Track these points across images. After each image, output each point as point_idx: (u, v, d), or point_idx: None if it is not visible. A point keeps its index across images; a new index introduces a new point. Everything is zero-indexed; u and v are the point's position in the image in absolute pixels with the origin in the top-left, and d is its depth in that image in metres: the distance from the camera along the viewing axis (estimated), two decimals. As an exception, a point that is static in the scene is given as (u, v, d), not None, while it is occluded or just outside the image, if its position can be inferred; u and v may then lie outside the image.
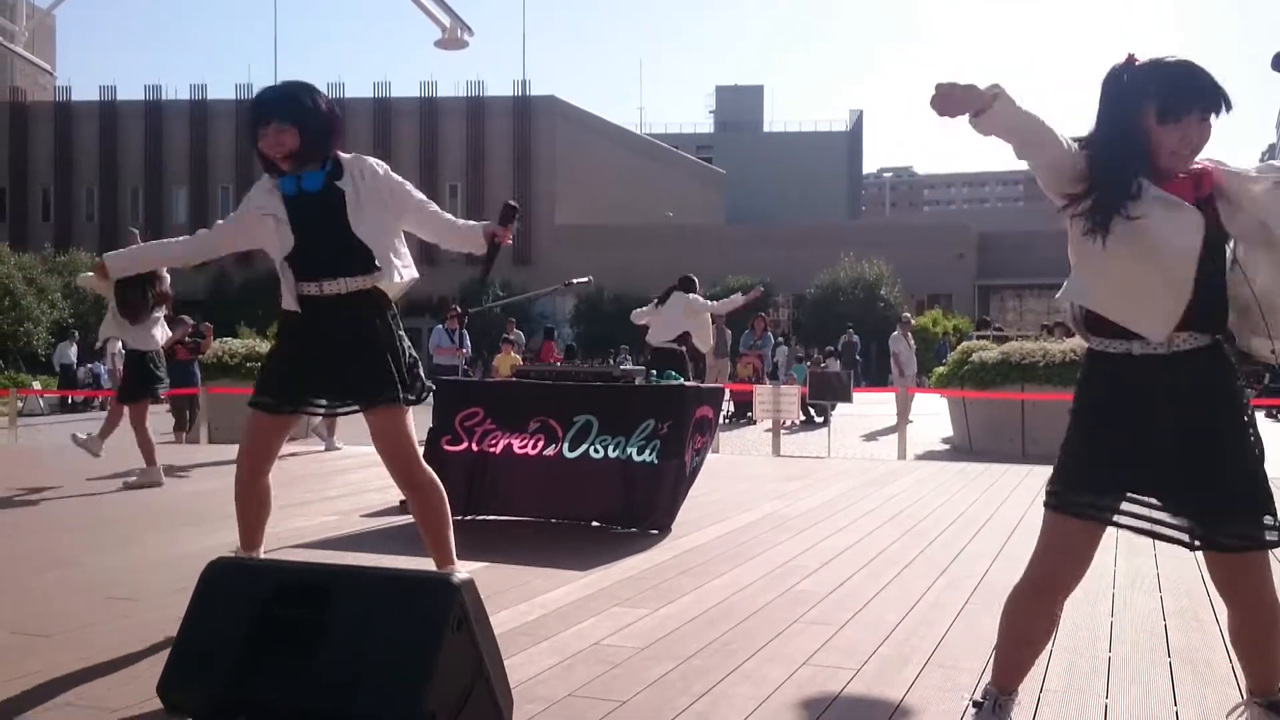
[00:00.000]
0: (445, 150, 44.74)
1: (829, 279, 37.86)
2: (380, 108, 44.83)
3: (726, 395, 15.73)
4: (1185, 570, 4.55)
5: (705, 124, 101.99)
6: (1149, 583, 4.31)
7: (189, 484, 7.69)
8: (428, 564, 3.69)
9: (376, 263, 3.48)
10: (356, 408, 3.52)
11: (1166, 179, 2.26)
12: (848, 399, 12.26)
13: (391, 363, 3.46)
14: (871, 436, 14.73)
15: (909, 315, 20.49)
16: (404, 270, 3.63)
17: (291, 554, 4.80)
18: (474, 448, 5.76)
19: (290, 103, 3.41)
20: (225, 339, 14.45)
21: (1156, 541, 5.16)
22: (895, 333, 17.50)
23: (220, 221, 3.78)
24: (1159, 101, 2.21)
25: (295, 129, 3.38)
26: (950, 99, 2.18)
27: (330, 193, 3.44)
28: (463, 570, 2.85)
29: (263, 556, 3.75)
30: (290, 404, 3.57)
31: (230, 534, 5.32)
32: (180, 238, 4.05)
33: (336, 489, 7.20)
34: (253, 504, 3.68)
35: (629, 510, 5.47)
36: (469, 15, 10.81)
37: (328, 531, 5.46)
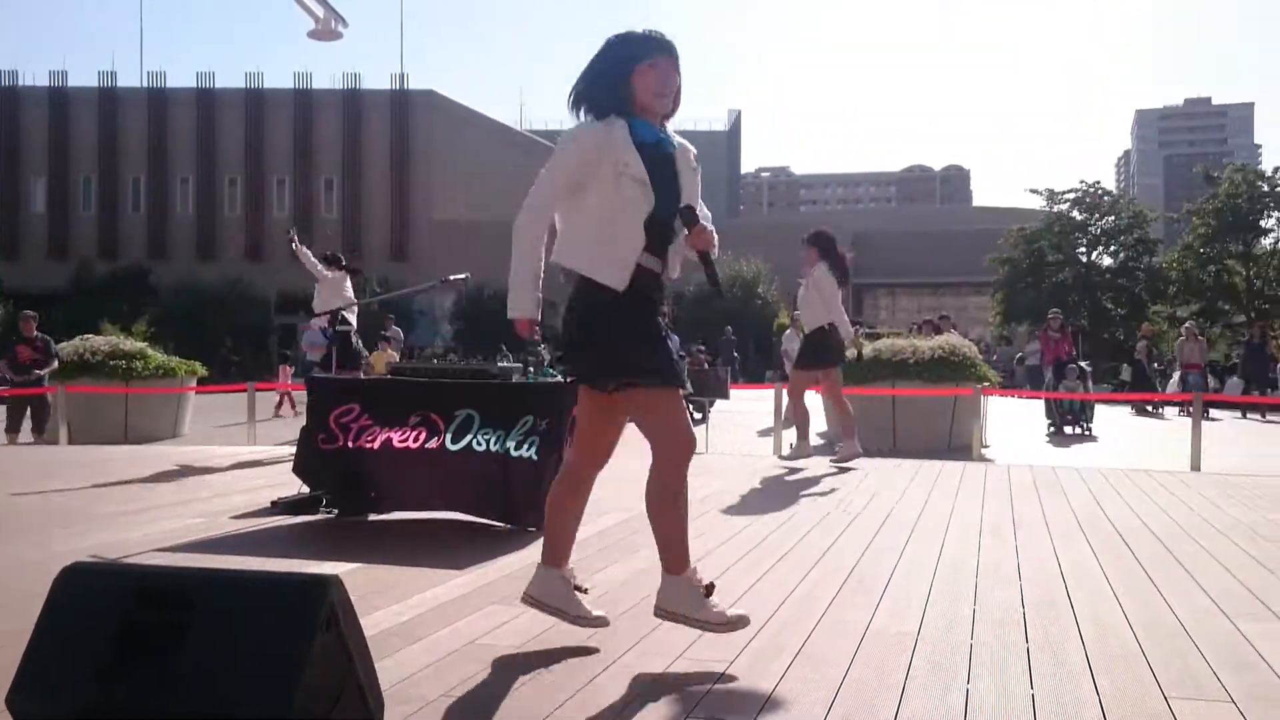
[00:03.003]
0: (320, 143, 43.78)
1: (708, 277, 38.18)
2: (253, 99, 43.62)
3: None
4: (1044, 561, 4.75)
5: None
6: (1009, 573, 4.47)
7: (54, 484, 7.38)
8: (296, 565, 3.62)
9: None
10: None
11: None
12: (725, 396, 12.41)
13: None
14: (749, 433, 14.93)
15: (800, 314, 20.86)
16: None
17: (155, 558, 4.64)
18: (350, 444, 5.66)
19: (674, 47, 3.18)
20: (87, 336, 13.89)
21: (1018, 534, 5.38)
22: (788, 331, 17.86)
23: (548, 182, 3.23)
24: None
25: (679, 75, 3.20)
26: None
27: (679, 157, 3.23)
28: (339, 571, 2.80)
29: (125, 561, 3.61)
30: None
31: (98, 536, 5.14)
32: (535, 227, 3.32)
33: (204, 490, 7.00)
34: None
35: (509, 505, 5.45)
36: (344, 6, 10.59)
37: (195, 534, 5.30)
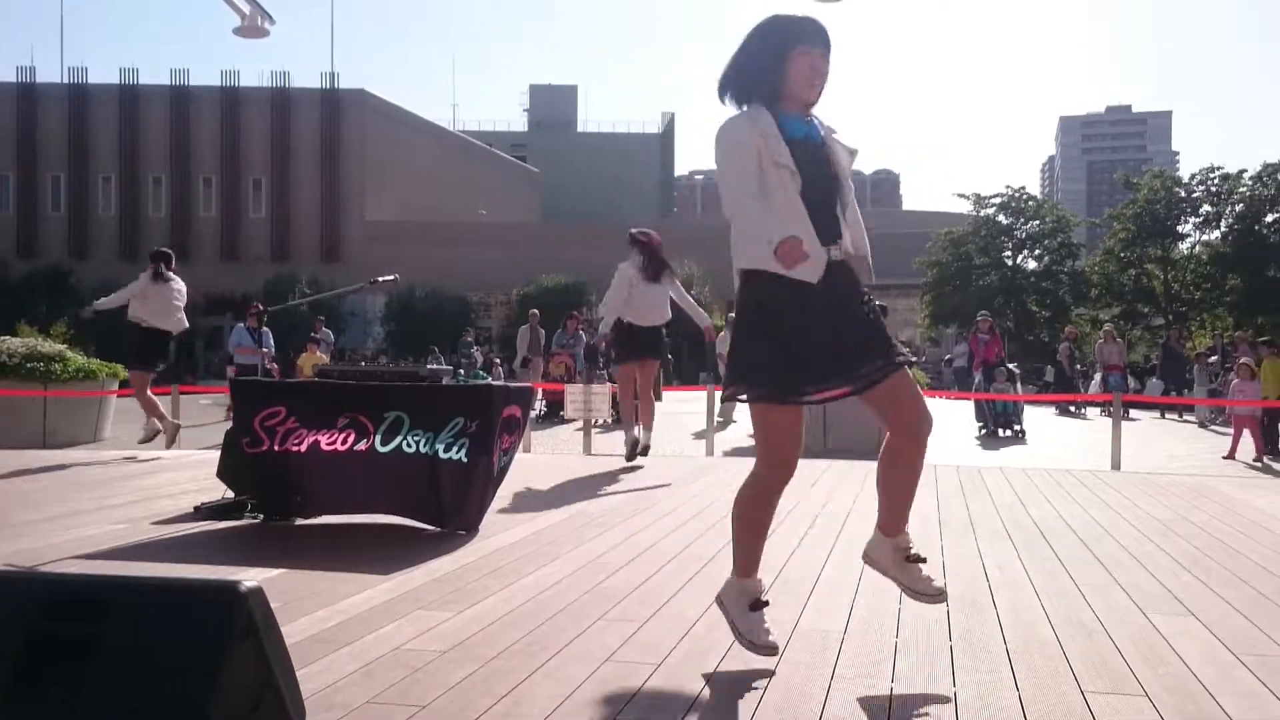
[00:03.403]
0: (248, 142, 43.13)
1: (642, 279, 38.27)
2: (178, 96, 42.86)
3: (539, 394, 15.75)
4: (969, 560, 4.82)
5: (519, 122, 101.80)
6: (933, 569, 4.52)
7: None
8: (218, 572, 3.55)
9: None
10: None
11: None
12: (658, 397, 12.41)
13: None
14: (684, 434, 14.97)
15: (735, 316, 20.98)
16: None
17: (73, 565, 4.53)
18: (276, 448, 5.57)
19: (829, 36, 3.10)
20: (3, 337, 13.50)
21: (944, 533, 5.45)
22: (723, 334, 17.89)
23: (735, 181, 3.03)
24: None
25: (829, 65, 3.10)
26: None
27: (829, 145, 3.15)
28: (254, 580, 2.75)
29: (40, 569, 3.51)
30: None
31: (15, 543, 5.00)
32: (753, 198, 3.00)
33: (126, 495, 6.84)
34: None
35: (438, 508, 5.40)
36: (273, 4, 10.42)
37: (115, 540, 5.18)
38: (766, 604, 3.20)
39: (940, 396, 15.40)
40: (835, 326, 3.01)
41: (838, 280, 3.05)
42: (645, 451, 8.90)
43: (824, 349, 2.99)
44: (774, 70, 3.05)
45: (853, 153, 3.21)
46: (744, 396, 3.08)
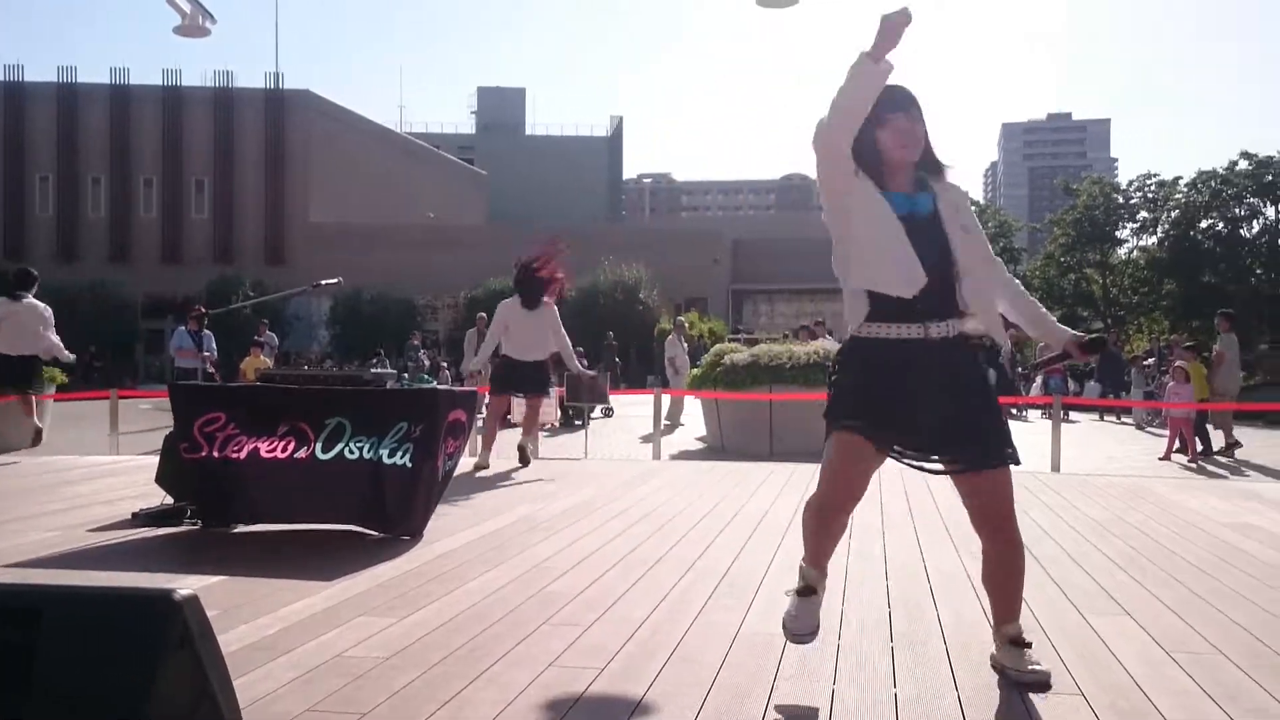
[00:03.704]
0: (190, 142, 42.44)
1: (589, 282, 38.32)
2: (118, 95, 42.07)
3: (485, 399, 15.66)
4: (910, 561, 4.87)
5: (467, 125, 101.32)
6: (876, 573, 4.58)
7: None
8: (156, 580, 3.50)
9: None
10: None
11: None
12: (604, 401, 12.43)
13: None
14: (631, 437, 14.99)
15: (684, 320, 21.10)
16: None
17: (5, 574, 4.43)
18: (215, 454, 5.49)
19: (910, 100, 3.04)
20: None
21: (886, 534, 5.50)
22: (671, 337, 17.99)
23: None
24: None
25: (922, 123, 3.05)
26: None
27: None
28: (191, 588, 2.71)
29: None
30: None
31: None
32: None
33: (62, 502, 6.70)
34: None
35: (382, 514, 5.36)
36: (215, 4, 10.27)
37: (49, 548, 5.07)
38: (813, 592, 3.16)
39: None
40: (935, 401, 2.94)
41: (950, 358, 2.98)
42: (526, 462, 9.11)
43: (920, 418, 2.95)
44: (869, 147, 2.99)
45: (958, 201, 3.08)
46: (838, 426, 3.01)
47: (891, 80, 2.90)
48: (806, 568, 3.20)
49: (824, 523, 3.15)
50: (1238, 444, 13.17)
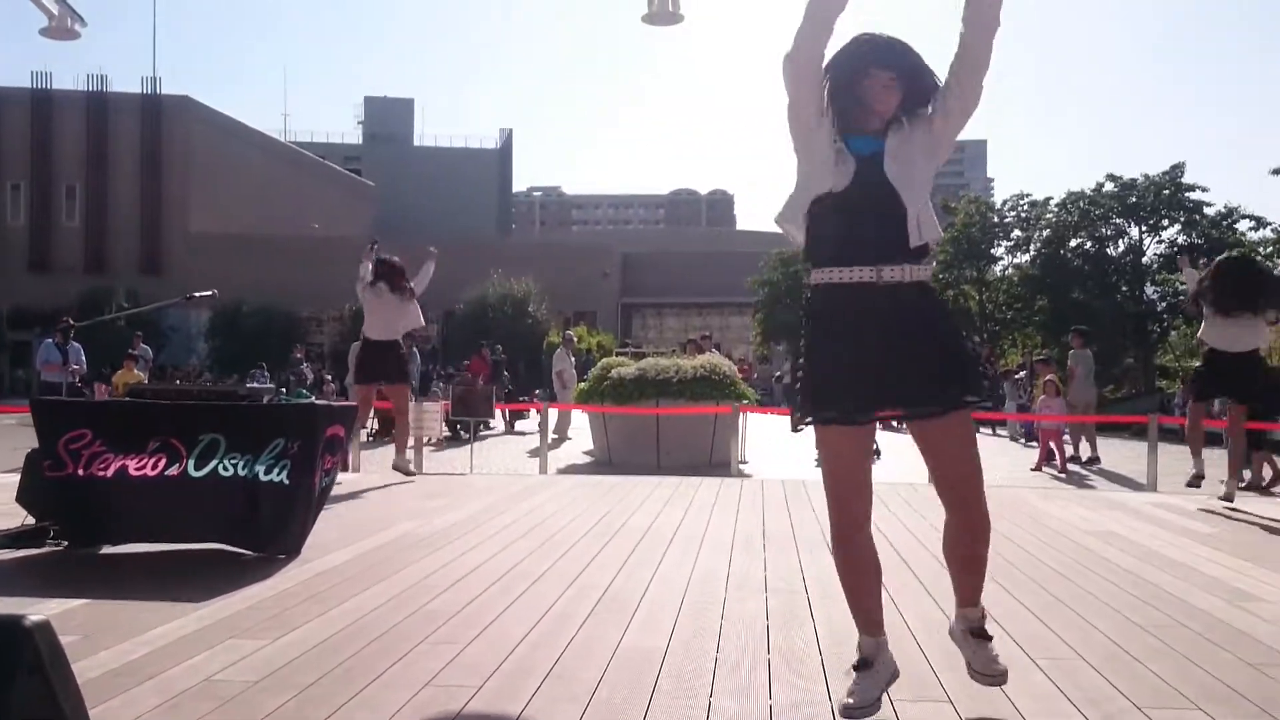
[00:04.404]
0: (61, 147, 40.97)
1: (478, 295, 38.05)
2: (-18, 96, 40.39)
3: (372, 413, 15.41)
4: (790, 573, 4.95)
5: (353, 134, 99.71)
6: (756, 585, 4.64)
7: None
8: (13, 604, 3.36)
9: None
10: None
11: None
12: (490, 415, 12.35)
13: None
14: (517, 451, 14.91)
15: (573, 334, 21.11)
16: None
17: None
18: (80, 472, 5.28)
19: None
20: None
21: (767, 547, 5.57)
22: (559, 351, 17.98)
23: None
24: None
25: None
26: None
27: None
28: (48, 613, 2.61)
29: None
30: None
31: None
32: None
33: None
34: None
35: (257, 532, 5.22)
36: (87, 5, 9.94)
37: (-103, 573, 4.83)
38: (869, 665, 2.91)
39: (770, 413, 15.75)
40: (893, 347, 2.82)
41: (907, 302, 2.86)
42: (409, 473, 9.28)
43: (877, 368, 2.82)
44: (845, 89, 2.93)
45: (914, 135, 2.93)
46: (808, 421, 2.91)
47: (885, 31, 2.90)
48: (861, 636, 2.98)
49: (847, 555, 2.98)
50: (1096, 459, 13.78)
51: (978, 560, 3.11)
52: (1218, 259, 7.84)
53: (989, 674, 3.00)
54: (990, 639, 3.07)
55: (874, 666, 2.91)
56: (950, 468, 2.99)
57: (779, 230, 3.10)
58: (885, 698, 2.98)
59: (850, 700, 2.84)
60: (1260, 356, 7.71)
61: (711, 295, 46.11)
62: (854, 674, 2.92)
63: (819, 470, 3.07)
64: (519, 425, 19.64)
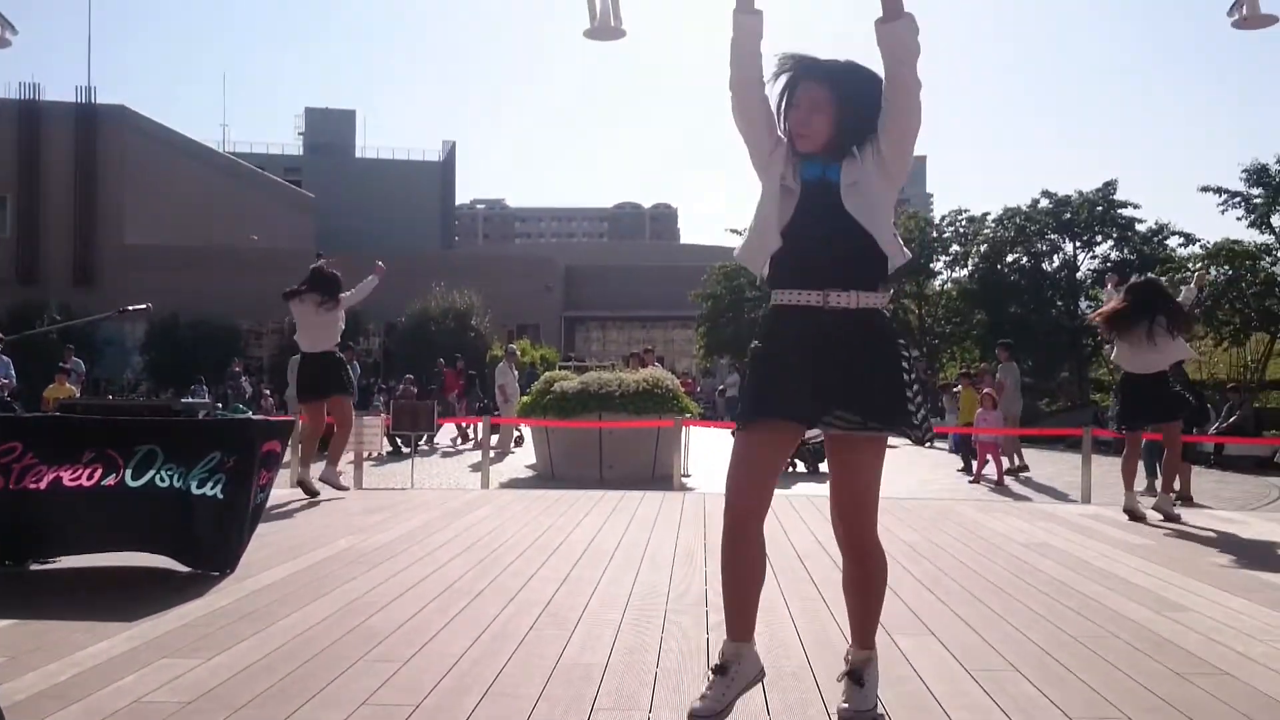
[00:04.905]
0: (-9, 156, 40.08)
1: (420, 308, 37.79)
2: (-92, 104, 39.42)
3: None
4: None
5: (294, 146, 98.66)
6: (696, 599, 4.65)
7: None
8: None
9: None
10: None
11: None
12: (431, 428, 12.26)
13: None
14: (459, 466, 14.81)
15: (515, 347, 21.02)
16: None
17: None
18: (11, 486, 5.15)
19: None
20: None
21: (708, 561, 5.59)
22: (501, 365, 17.89)
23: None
24: None
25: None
26: None
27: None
28: None
29: None
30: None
31: None
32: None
33: None
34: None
35: (192, 547, 5.14)
36: (16, 13, 9.75)
37: None
38: (723, 669, 2.92)
39: (713, 427, 15.81)
40: (838, 363, 2.87)
41: (853, 328, 2.90)
42: (338, 487, 9.27)
43: (816, 378, 2.86)
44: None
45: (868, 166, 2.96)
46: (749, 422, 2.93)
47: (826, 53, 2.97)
48: (725, 641, 2.98)
49: (735, 552, 2.93)
50: (1025, 467, 14.07)
51: (867, 604, 3.05)
52: (1126, 285, 8.06)
53: (842, 709, 2.97)
54: (864, 685, 2.98)
55: (729, 673, 2.92)
56: (854, 490, 2.99)
57: (722, 244, 3.16)
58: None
59: (698, 704, 2.87)
60: (1168, 376, 7.99)
61: (655, 309, 46.23)
62: (710, 675, 2.95)
63: None
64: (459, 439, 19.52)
